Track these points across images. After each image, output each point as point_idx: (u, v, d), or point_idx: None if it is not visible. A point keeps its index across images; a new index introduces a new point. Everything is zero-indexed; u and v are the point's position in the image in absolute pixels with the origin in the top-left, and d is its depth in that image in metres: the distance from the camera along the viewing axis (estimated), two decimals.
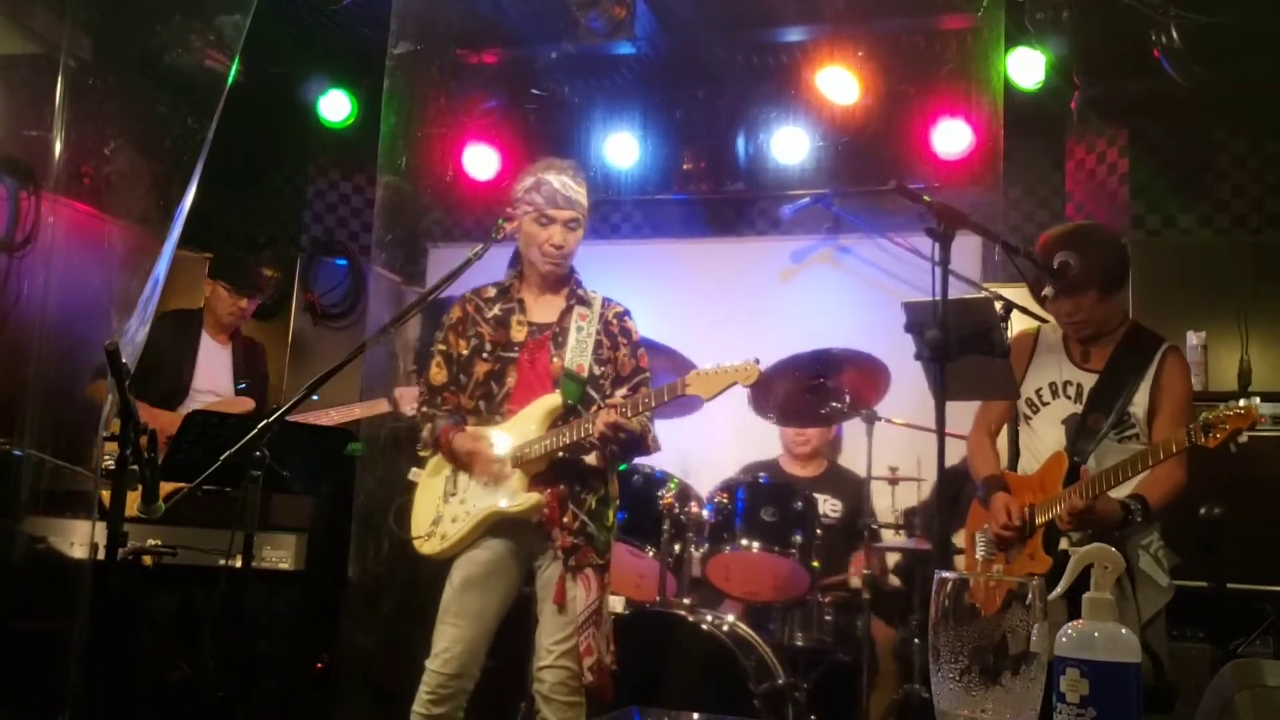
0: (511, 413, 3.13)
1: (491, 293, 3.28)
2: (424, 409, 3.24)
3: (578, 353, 3.14)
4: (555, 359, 3.14)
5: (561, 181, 3.15)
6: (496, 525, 3.09)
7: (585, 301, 3.24)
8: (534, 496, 3.05)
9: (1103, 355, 3.20)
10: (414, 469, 3.32)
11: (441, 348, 3.25)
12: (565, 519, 3.06)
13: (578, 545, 3.06)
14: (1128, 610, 2.90)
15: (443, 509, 3.16)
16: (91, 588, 3.27)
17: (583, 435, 3.01)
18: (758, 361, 2.98)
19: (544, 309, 3.23)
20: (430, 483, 3.25)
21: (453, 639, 3.03)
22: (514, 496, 3.06)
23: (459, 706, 3.04)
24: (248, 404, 4.40)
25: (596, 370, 3.16)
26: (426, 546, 3.16)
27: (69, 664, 3.03)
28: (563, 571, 3.04)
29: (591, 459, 3.13)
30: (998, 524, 3.08)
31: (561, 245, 3.15)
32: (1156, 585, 3.02)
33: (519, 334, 3.18)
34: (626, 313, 3.29)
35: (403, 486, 3.50)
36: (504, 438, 3.10)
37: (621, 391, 3.19)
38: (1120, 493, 2.96)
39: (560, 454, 3.06)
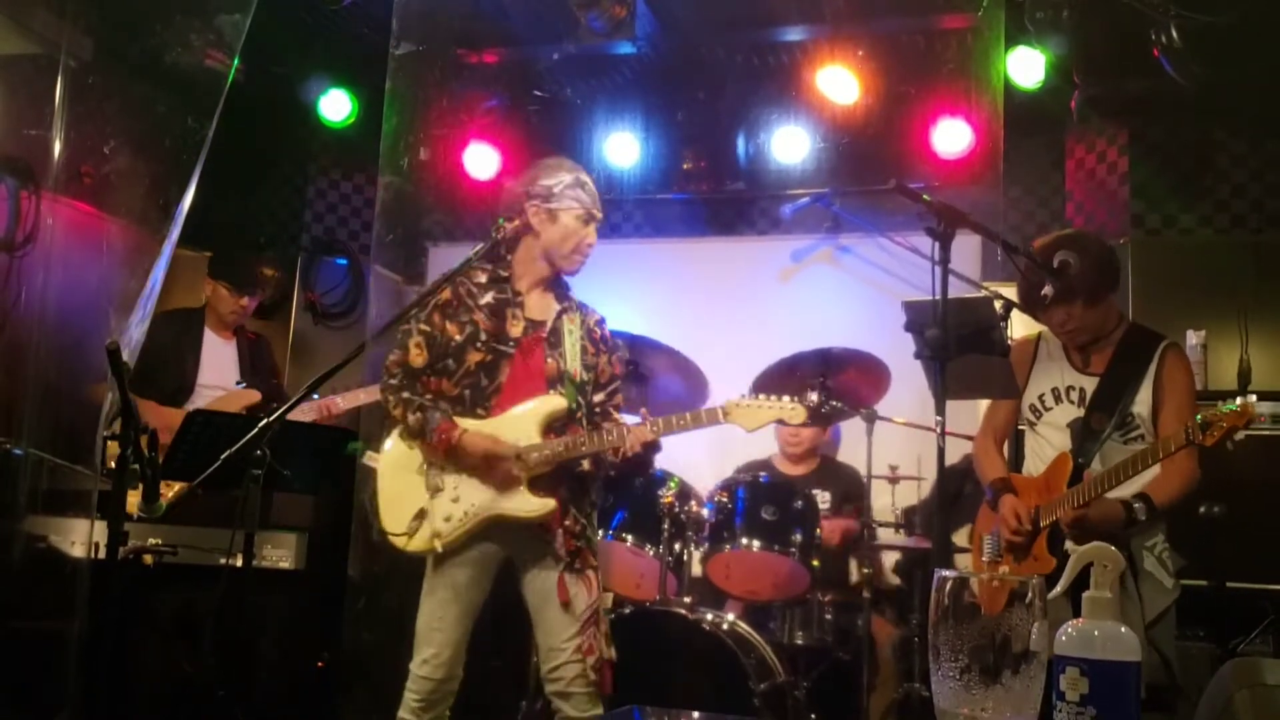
0: (499, 407, 3.03)
1: (482, 278, 3.13)
2: (405, 394, 3.03)
3: (572, 357, 3.10)
4: (551, 360, 3.07)
5: (592, 186, 3.15)
6: (492, 527, 3.02)
7: (574, 306, 3.19)
8: (548, 502, 2.97)
9: (1103, 358, 3.20)
10: (369, 453, 3.11)
11: (425, 328, 3.07)
12: (568, 523, 3.02)
13: (580, 548, 3.03)
14: (1132, 610, 2.90)
15: (431, 505, 3.00)
16: (91, 587, 3.27)
17: (606, 447, 2.98)
18: (806, 405, 3.05)
19: (538, 306, 3.14)
20: (401, 472, 3.07)
21: (441, 644, 2.99)
22: (524, 500, 2.98)
23: (447, 708, 3.02)
24: (253, 396, 4.40)
25: (585, 376, 3.13)
26: (412, 544, 3.00)
27: (69, 664, 3.03)
28: (562, 573, 2.99)
29: (585, 464, 3.09)
30: (1008, 530, 3.09)
31: (593, 245, 3.14)
32: (1161, 586, 3.02)
33: (515, 329, 3.07)
34: (603, 320, 3.26)
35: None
36: (507, 437, 3.00)
37: (599, 397, 3.17)
38: (1126, 492, 2.96)
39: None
